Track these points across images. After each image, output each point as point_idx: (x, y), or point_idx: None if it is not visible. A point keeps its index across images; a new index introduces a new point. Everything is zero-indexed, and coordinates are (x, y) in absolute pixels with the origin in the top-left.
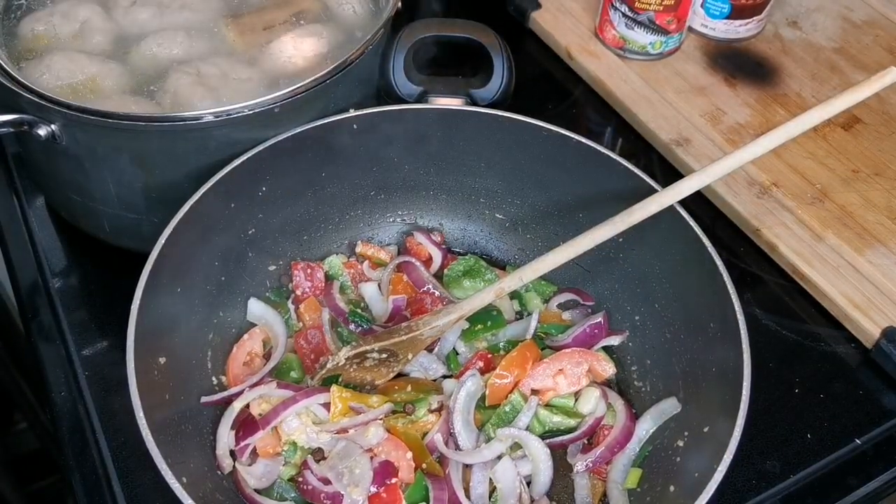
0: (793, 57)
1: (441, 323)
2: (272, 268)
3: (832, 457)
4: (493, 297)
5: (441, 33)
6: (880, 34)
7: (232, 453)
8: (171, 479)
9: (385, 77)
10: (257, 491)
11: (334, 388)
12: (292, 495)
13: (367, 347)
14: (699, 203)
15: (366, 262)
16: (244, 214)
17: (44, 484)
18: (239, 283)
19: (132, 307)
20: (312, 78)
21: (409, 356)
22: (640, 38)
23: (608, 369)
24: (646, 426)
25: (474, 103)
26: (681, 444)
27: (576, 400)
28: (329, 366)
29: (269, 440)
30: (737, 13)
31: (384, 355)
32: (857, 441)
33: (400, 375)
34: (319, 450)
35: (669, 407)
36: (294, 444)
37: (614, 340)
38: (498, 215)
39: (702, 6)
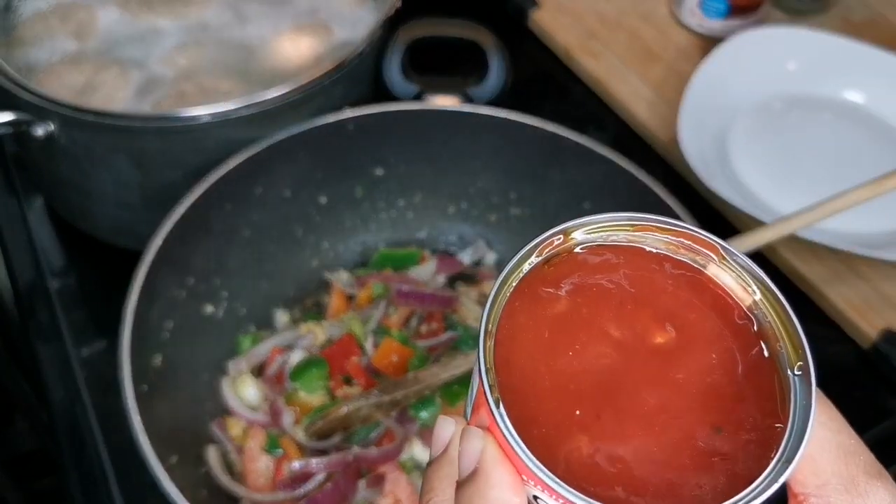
0: None
1: (449, 375)
2: (269, 272)
3: None
4: None
5: (437, 33)
6: (880, 35)
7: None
8: (167, 482)
9: (381, 76)
10: None
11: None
12: None
13: (374, 401)
14: (697, 202)
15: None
16: (239, 216)
17: (44, 483)
18: (235, 284)
19: (127, 308)
20: (310, 78)
21: (412, 402)
22: None
23: None
24: None
25: (471, 103)
26: None
27: None
28: (330, 417)
29: None
30: (734, 12)
31: (385, 404)
32: None
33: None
34: None
35: None
36: None
37: None
38: (495, 215)
39: (699, 6)
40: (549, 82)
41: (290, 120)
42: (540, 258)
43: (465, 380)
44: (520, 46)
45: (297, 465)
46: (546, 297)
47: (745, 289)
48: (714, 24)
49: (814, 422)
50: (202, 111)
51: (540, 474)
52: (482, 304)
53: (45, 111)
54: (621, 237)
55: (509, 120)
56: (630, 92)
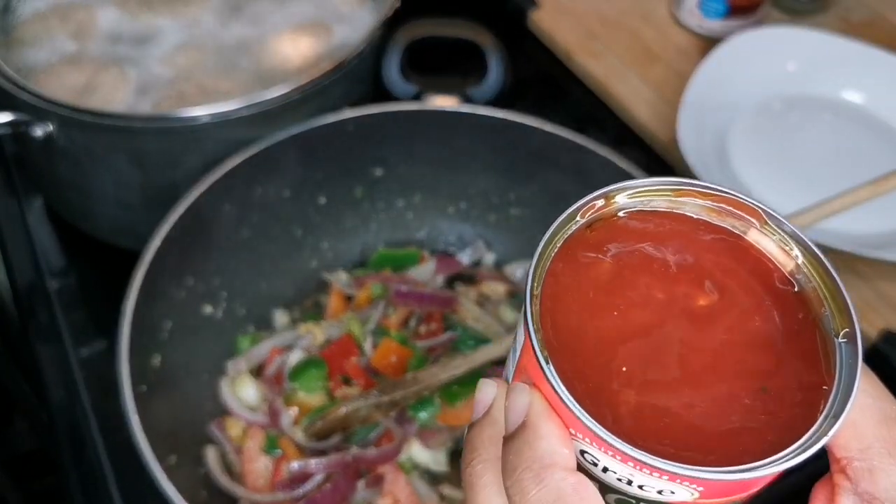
0: None
1: (448, 376)
2: (268, 272)
3: None
4: (506, 352)
5: (436, 34)
6: (879, 35)
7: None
8: (166, 482)
9: (380, 77)
10: None
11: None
12: None
13: (373, 402)
14: None
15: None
16: (239, 216)
17: (44, 483)
18: (234, 284)
19: (126, 308)
20: (310, 78)
21: (411, 402)
22: None
23: None
24: None
25: (470, 103)
26: None
27: None
28: (329, 418)
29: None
30: (733, 12)
31: (384, 405)
32: None
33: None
34: None
35: None
36: None
37: None
38: (494, 215)
39: (698, 6)
40: (549, 82)
41: (290, 120)
42: (583, 220)
43: (464, 380)
44: (520, 46)
45: (295, 465)
46: (589, 261)
47: (787, 253)
48: (713, 25)
49: (860, 378)
50: (202, 111)
51: (590, 425)
52: (481, 304)
53: (45, 112)
54: (662, 203)
55: (509, 120)
56: (630, 92)
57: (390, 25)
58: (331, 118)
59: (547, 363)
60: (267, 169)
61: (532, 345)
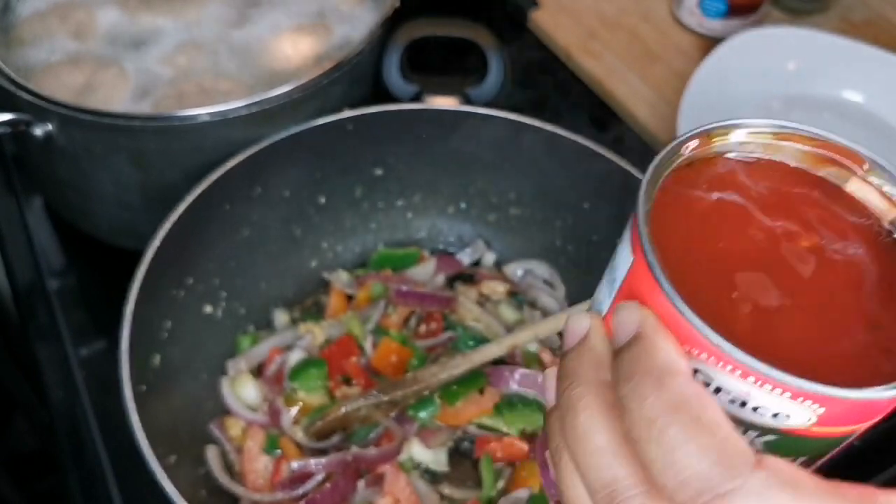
0: None
1: (448, 375)
2: (268, 272)
3: (829, 458)
4: (505, 351)
5: (436, 33)
6: (880, 35)
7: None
8: (166, 482)
9: (380, 77)
10: None
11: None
12: None
13: (373, 401)
14: None
15: None
16: (239, 216)
17: (44, 483)
18: (234, 284)
19: (126, 308)
20: (309, 78)
21: (411, 402)
22: None
23: None
24: None
25: (470, 103)
26: None
27: None
28: (329, 418)
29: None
30: (734, 12)
31: (384, 404)
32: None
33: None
34: None
35: None
36: None
37: None
38: (494, 215)
39: (698, 6)
40: (549, 82)
41: (290, 120)
42: (684, 156)
43: (463, 380)
44: (520, 47)
45: (295, 465)
46: (690, 197)
47: (889, 201)
48: (714, 24)
49: None
50: (202, 111)
51: (712, 338)
52: (481, 304)
53: (44, 111)
54: (761, 147)
55: (509, 120)
56: (630, 92)
57: (390, 25)
58: (331, 118)
59: (665, 279)
60: (267, 169)
61: (648, 263)
